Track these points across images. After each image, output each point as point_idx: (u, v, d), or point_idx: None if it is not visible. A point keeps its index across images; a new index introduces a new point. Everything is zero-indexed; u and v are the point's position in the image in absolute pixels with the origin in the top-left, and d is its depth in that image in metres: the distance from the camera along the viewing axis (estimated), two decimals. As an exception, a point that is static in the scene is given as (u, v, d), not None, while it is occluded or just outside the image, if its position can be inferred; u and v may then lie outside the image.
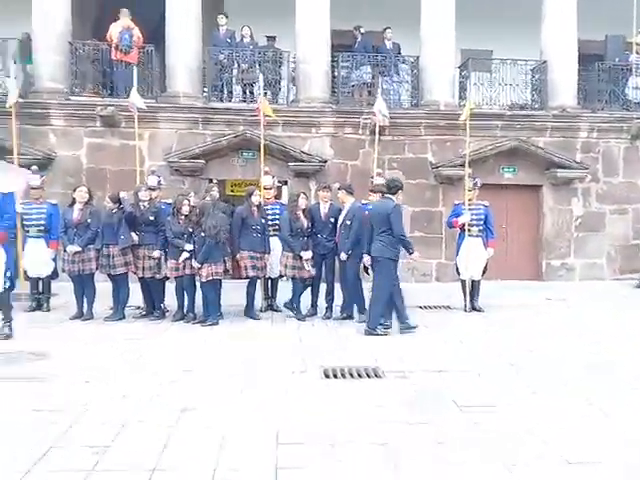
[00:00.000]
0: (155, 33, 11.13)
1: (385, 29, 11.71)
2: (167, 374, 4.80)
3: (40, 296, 7.63)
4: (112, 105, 10.21)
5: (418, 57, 11.34)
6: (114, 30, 10.68)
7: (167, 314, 7.32)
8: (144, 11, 11.01)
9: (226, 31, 11.35)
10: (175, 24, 10.69)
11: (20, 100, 9.49)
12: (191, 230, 7.00)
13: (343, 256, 7.07)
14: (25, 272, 7.59)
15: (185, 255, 6.90)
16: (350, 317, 7.32)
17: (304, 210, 7.29)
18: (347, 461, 3.24)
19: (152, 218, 7.10)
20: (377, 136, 9.08)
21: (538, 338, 6.36)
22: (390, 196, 6.61)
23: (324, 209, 7.46)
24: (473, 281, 8.20)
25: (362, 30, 11.72)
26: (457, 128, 10.52)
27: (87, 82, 11.11)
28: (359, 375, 4.96)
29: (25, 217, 7.57)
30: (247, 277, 7.32)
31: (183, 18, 10.68)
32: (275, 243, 7.49)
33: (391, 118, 10.55)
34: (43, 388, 4.42)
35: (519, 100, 11.69)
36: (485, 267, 8.20)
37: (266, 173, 8.25)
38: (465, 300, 8.12)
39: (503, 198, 10.84)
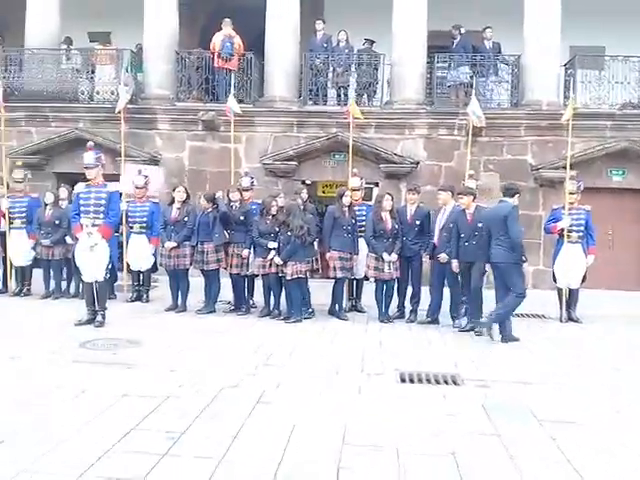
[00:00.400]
0: (256, 41, 11.52)
1: (485, 28, 11.36)
2: (248, 367, 4.96)
3: (140, 288, 8.16)
4: (213, 110, 10.70)
5: (519, 56, 10.87)
6: (217, 39, 11.20)
7: (254, 310, 7.56)
8: (246, 21, 11.43)
9: (323, 36, 11.52)
10: (274, 32, 11.01)
11: (129, 106, 10.24)
12: (277, 230, 7.20)
13: (443, 258, 6.95)
14: (128, 265, 8.15)
15: (272, 254, 7.09)
16: (435, 321, 7.19)
17: (390, 211, 7.25)
18: (410, 468, 3.18)
19: (242, 218, 7.37)
20: (469, 137, 8.82)
21: (635, 353, 5.88)
22: (507, 199, 6.45)
23: (411, 211, 7.39)
24: (571, 290, 7.75)
25: (462, 30, 11.44)
26: (560, 128, 9.96)
27: (192, 88, 11.74)
28: (436, 381, 4.85)
29: (129, 214, 8.14)
30: (335, 277, 7.40)
31: (281, 26, 10.97)
32: (361, 244, 7.51)
33: (489, 119, 10.22)
34: (134, 374, 4.72)
35: (632, 99, 10.86)
36: (584, 275, 7.72)
37: (354, 175, 8.28)
38: (561, 309, 7.69)
39: (610, 203, 10.12)
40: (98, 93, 11.17)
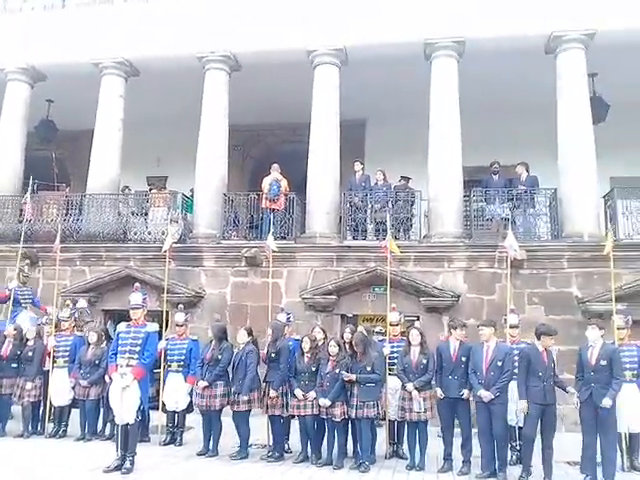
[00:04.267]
0: (299, 182, 12.17)
1: (519, 164, 11.69)
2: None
3: (175, 430, 7.98)
4: (255, 247, 11.08)
5: (555, 189, 11.01)
6: (265, 182, 11.93)
7: (289, 455, 7.23)
8: (291, 164, 12.20)
9: (361, 175, 12.11)
10: (315, 173, 11.62)
11: (177, 245, 10.75)
12: (314, 369, 7.08)
13: (486, 396, 6.49)
14: (164, 405, 8.06)
15: (299, 393, 6.94)
16: (494, 475, 6.51)
17: (421, 346, 7.10)
18: None
19: (273, 355, 7.30)
20: (509, 270, 8.72)
21: None
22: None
23: (455, 348, 7.10)
24: (631, 434, 7.11)
25: (496, 167, 11.82)
26: (605, 260, 9.63)
27: (238, 227, 12.32)
28: None
29: (168, 352, 8.19)
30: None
31: (322, 168, 11.60)
32: (395, 382, 7.26)
33: (530, 251, 10.18)
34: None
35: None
36: (645, 418, 7.11)
37: (393, 309, 8.22)
38: (622, 457, 7.00)
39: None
40: (150, 233, 11.81)
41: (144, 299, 6.90)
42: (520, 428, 7.15)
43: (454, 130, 11.27)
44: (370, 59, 11.57)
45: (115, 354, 6.53)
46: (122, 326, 6.82)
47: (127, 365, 6.36)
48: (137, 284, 7.22)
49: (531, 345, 6.90)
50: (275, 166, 12.14)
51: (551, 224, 11.01)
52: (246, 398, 7.10)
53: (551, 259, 10.48)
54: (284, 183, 11.87)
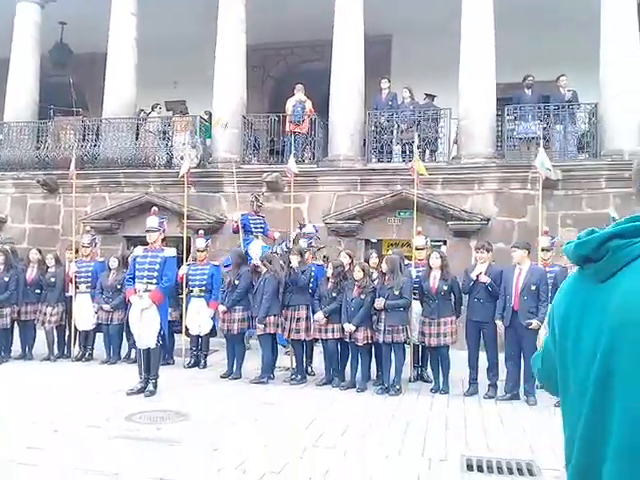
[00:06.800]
0: (322, 103, 11.61)
1: (559, 77, 10.88)
2: (295, 448, 4.54)
3: (199, 353, 7.97)
4: (277, 171, 10.72)
5: (596, 104, 10.26)
6: (289, 104, 11.41)
7: (312, 377, 7.19)
8: (313, 84, 11.60)
9: (388, 94, 11.46)
10: (338, 92, 11.04)
11: (197, 170, 10.47)
12: (335, 294, 6.89)
13: (535, 324, 6.15)
14: (187, 329, 8.03)
15: (319, 315, 6.81)
16: (516, 397, 6.42)
17: (442, 271, 6.78)
18: None
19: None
20: (540, 191, 8.22)
21: None
22: None
23: (479, 271, 6.81)
24: None
25: (531, 80, 11.03)
26: (646, 179, 9.15)
27: (259, 151, 11.92)
28: (509, 470, 4.25)
29: (190, 278, 8.07)
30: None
31: (346, 86, 10.99)
32: (417, 307, 7.05)
33: (566, 171, 9.64)
34: (175, 453, 4.43)
35: None
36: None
37: (419, 233, 7.89)
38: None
39: None
40: (170, 159, 11.50)
41: (161, 223, 6.68)
42: None
43: (488, 42, 10.45)
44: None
45: (133, 278, 6.38)
46: (139, 250, 6.64)
47: (145, 290, 6.22)
48: (154, 208, 7.00)
49: (564, 268, 6.56)
50: (299, 87, 11.56)
51: (591, 142, 10.35)
52: (261, 325, 6.96)
53: (588, 179, 9.91)
54: (308, 105, 11.33)
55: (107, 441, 4.63)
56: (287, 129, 11.25)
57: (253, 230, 9.58)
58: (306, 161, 11.08)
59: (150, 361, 6.26)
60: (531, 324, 6.19)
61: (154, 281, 6.25)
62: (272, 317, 6.96)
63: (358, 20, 11.12)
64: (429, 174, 9.46)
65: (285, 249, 8.44)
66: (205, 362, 7.91)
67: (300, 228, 9.06)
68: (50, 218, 11.85)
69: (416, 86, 11.51)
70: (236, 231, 9.51)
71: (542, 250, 7.44)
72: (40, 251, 8.60)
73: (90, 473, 3.98)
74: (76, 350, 8.27)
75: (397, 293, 6.54)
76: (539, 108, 10.48)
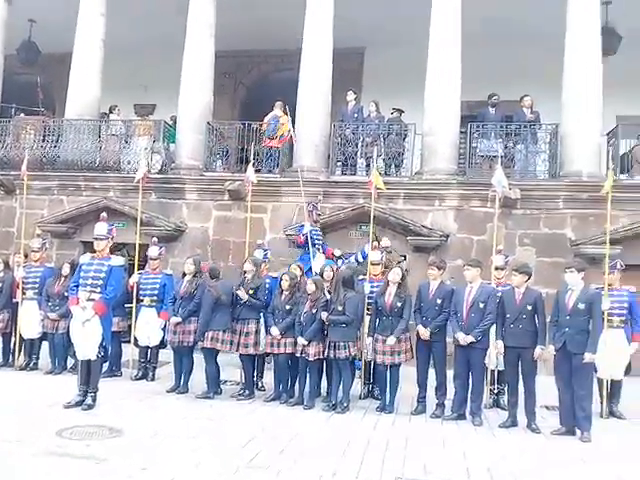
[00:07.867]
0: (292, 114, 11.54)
1: (523, 97, 11.01)
2: (227, 469, 4.42)
3: (147, 365, 7.79)
4: (239, 180, 10.60)
5: (557, 125, 10.40)
6: (266, 119, 11.33)
7: (262, 392, 7.08)
8: (288, 93, 11.42)
9: (354, 106, 11.44)
10: (305, 103, 10.98)
11: (158, 176, 10.31)
12: (289, 307, 6.80)
13: (467, 339, 6.23)
14: (136, 340, 7.85)
15: (275, 331, 6.69)
16: (463, 417, 6.39)
17: (399, 286, 6.71)
18: None
19: (251, 292, 6.98)
20: (497, 209, 8.26)
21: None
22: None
23: (432, 288, 6.78)
24: (613, 381, 6.89)
25: (496, 99, 11.14)
26: (603, 201, 9.21)
27: (228, 160, 11.74)
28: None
29: (141, 287, 7.89)
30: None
31: (312, 97, 10.95)
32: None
33: (524, 190, 9.74)
34: (100, 472, 4.28)
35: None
36: (629, 365, 6.88)
37: (374, 248, 7.85)
38: (602, 403, 6.81)
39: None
40: (129, 163, 11.30)
41: (110, 230, 6.51)
42: (500, 372, 6.95)
43: (454, 59, 10.52)
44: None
45: (77, 286, 6.20)
46: (85, 257, 6.47)
47: (88, 299, 6.04)
48: (103, 214, 6.79)
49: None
50: (278, 104, 11.46)
51: (550, 162, 10.49)
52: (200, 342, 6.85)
53: (547, 199, 10.04)
54: (283, 120, 11.14)
55: (30, 458, 4.45)
56: (264, 144, 11.14)
57: (316, 243, 9.00)
58: (273, 171, 10.98)
59: (90, 373, 6.07)
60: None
61: (98, 290, 6.07)
62: (211, 332, 6.81)
63: (327, 31, 11.11)
64: (392, 188, 9.47)
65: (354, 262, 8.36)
66: (154, 375, 7.73)
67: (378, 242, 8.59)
68: (5, 220, 11.52)
69: (387, 100, 11.53)
70: (301, 245, 9.09)
71: (496, 269, 7.46)
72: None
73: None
74: (21, 359, 8.02)
75: (340, 309, 6.46)
76: (501, 127, 10.59)
